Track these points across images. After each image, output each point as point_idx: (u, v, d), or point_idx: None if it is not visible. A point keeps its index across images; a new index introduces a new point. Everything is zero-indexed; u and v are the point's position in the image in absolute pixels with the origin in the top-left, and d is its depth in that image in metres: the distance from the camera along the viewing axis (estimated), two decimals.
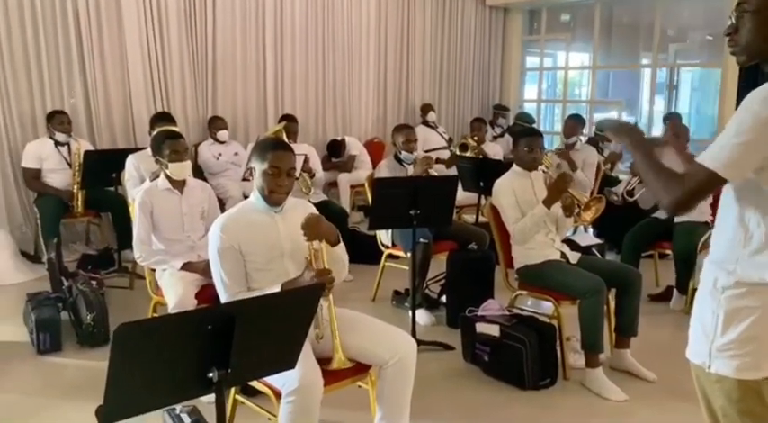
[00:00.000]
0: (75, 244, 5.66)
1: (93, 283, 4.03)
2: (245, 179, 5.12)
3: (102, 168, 4.89)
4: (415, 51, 8.18)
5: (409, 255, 4.08)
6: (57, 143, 5.18)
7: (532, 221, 3.41)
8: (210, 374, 1.52)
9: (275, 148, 2.45)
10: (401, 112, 8.20)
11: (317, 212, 2.62)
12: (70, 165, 5.16)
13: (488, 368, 3.38)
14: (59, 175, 5.17)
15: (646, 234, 4.58)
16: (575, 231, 5.23)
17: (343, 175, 6.85)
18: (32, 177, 5.18)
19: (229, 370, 1.53)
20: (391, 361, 2.38)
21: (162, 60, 6.07)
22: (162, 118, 4.83)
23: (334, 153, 7.04)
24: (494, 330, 3.31)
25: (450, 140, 7.85)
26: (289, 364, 1.73)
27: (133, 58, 5.89)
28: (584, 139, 6.09)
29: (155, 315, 3.47)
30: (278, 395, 2.23)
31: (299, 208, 2.57)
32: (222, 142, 6.01)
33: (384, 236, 4.49)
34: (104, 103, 5.83)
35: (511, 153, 7.06)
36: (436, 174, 4.37)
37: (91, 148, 5.38)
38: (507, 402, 3.15)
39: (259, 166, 2.43)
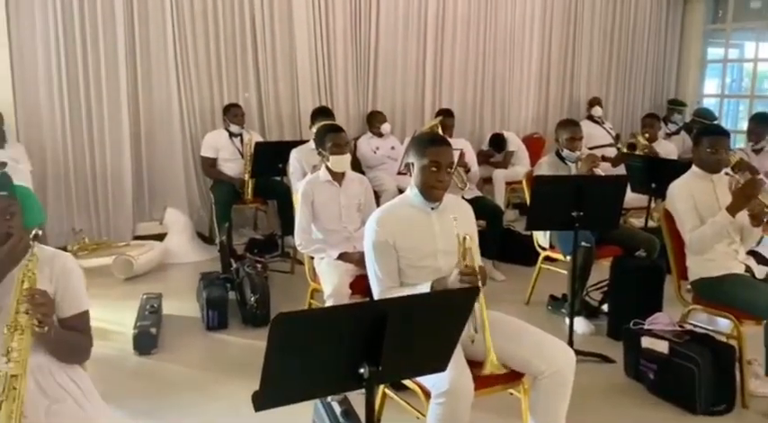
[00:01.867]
0: (244, 228, 6.05)
1: (259, 266, 4.25)
2: (400, 173, 5.14)
3: (271, 158, 5.16)
4: (582, 42, 7.78)
5: (569, 258, 3.87)
6: (231, 134, 5.56)
7: (713, 230, 3.07)
8: (361, 370, 1.50)
9: (435, 143, 2.39)
10: (564, 106, 7.85)
11: (471, 211, 2.55)
12: (242, 155, 5.52)
13: (654, 387, 3.10)
14: (233, 164, 5.54)
15: None
16: (759, 242, 4.66)
17: (499, 170, 6.68)
18: (209, 165, 5.61)
19: (380, 367, 1.50)
20: (547, 372, 2.24)
21: (327, 59, 6.30)
22: (321, 112, 5.01)
23: (498, 147, 6.86)
24: (662, 347, 3.03)
25: (617, 137, 7.37)
26: (440, 366, 1.68)
27: (301, 56, 6.16)
28: None
29: (312, 302, 3.60)
30: (427, 394, 2.19)
31: (455, 206, 2.50)
32: (381, 136, 6.10)
33: (542, 237, 4.29)
34: (274, 98, 6.16)
35: (685, 153, 6.61)
36: (602, 173, 4.09)
37: (261, 139, 5.70)
38: None
39: (418, 162, 2.39)
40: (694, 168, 3.31)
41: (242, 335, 3.86)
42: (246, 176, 5.42)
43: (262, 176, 5.39)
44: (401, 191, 5.75)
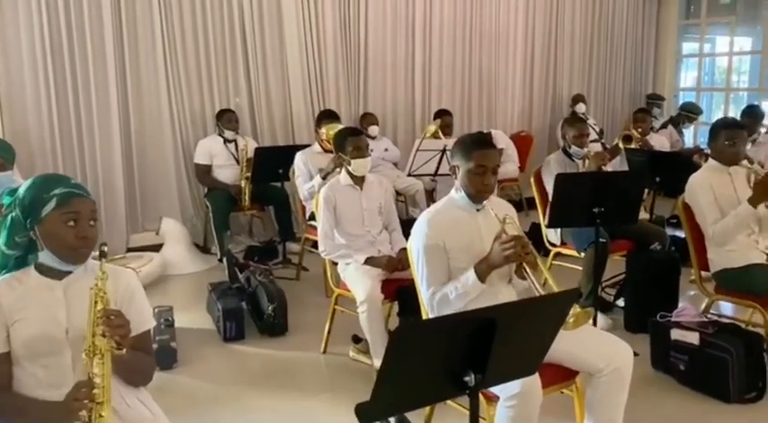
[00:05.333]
0: (240, 236, 5.94)
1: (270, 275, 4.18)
2: (410, 175, 5.13)
3: (272, 164, 5.07)
4: (564, 40, 7.88)
5: (583, 254, 3.90)
6: (225, 140, 5.47)
7: (735, 222, 3.13)
8: (467, 378, 1.47)
9: (481, 146, 2.37)
10: (548, 104, 7.94)
11: (513, 210, 2.54)
12: (238, 161, 5.43)
13: (685, 378, 3.14)
14: (227, 171, 5.45)
15: None
16: None
17: None
18: (204, 172, 5.50)
19: (485, 374, 1.48)
20: (606, 370, 2.25)
21: (318, 62, 6.24)
22: (328, 115, 4.95)
23: None
24: (693, 338, 3.07)
25: (601, 132, 7.49)
26: (532, 369, 1.66)
27: (292, 60, 6.09)
28: (763, 130, 5.57)
29: (336, 307, 3.55)
30: (489, 398, 2.17)
31: (498, 206, 2.49)
32: (373, 137, 6.06)
33: (552, 234, 4.31)
34: (266, 102, 6.07)
35: (674, 146, 6.74)
36: (610, 169, 4.14)
37: (255, 144, 5.61)
38: (712, 415, 2.93)
39: (464, 165, 2.37)
40: (711, 161, 3.37)
41: (261, 345, 3.78)
42: (243, 183, 5.34)
43: (262, 182, 5.30)
44: (398, 193, 5.83)
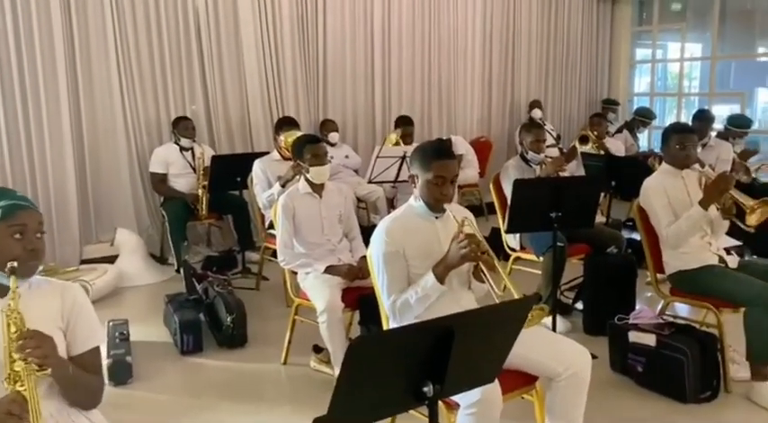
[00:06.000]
0: (198, 246, 5.83)
1: (229, 285, 4.10)
2: (370, 182, 5.10)
3: (230, 172, 4.99)
4: (521, 47, 8.00)
5: (542, 258, 3.94)
6: (182, 148, 5.36)
7: (688, 224, 3.19)
8: (425, 388, 1.46)
9: (440, 157, 2.36)
10: (506, 109, 8.04)
11: (472, 216, 2.54)
12: (195, 169, 5.33)
13: (642, 379, 3.18)
14: (184, 180, 5.35)
15: None
16: None
17: None
18: (159, 181, 5.39)
19: (443, 384, 1.46)
20: (565, 374, 2.26)
21: (276, 68, 6.18)
22: (287, 122, 4.89)
23: None
24: (650, 340, 3.12)
25: (558, 137, 7.61)
26: (490, 377, 1.65)
27: (250, 66, 6.02)
28: (713, 133, 5.73)
29: (296, 317, 3.50)
30: (449, 406, 2.16)
31: (457, 212, 2.49)
32: (333, 144, 6.03)
33: (512, 239, 4.34)
34: (223, 110, 5.98)
35: (629, 150, 6.88)
36: (567, 174, 4.19)
37: (212, 152, 5.52)
38: (670, 417, 2.96)
39: (423, 175, 2.36)
40: (665, 165, 3.43)
41: (219, 358, 3.70)
42: (200, 191, 5.24)
43: (219, 191, 5.21)
44: (360, 200, 5.80)
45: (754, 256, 4.73)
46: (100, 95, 5.37)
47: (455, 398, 2.09)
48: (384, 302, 2.40)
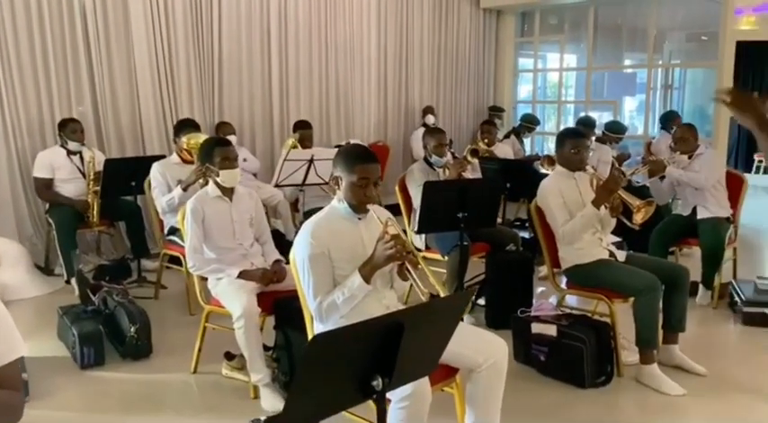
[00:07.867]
0: (88, 255, 5.51)
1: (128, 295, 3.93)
2: (277, 185, 5.05)
3: (124, 177, 4.76)
4: (414, 53, 8.21)
5: (447, 258, 4.09)
6: (69, 152, 5.05)
7: (582, 222, 3.44)
8: (374, 382, 1.50)
9: (364, 161, 2.41)
10: (401, 114, 8.22)
11: (392, 218, 2.61)
12: (84, 174, 5.04)
13: (545, 368, 3.39)
14: (72, 185, 5.04)
15: (672, 231, 4.65)
16: None
17: None
18: (45, 187, 5.04)
19: (391, 378, 1.51)
20: (485, 364, 2.37)
21: (169, 68, 5.96)
22: (188, 125, 4.73)
23: None
24: (551, 330, 3.34)
25: (450, 143, 7.87)
26: (429, 369, 1.71)
27: (141, 65, 5.77)
28: (593, 138, 6.17)
29: (207, 325, 3.41)
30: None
31: (380, 212, 2.55)
32: None
33: (418, 239, 4.46)
34: (113, 111, 5.70)
35: (517, 154, 7.27)
36: (471, 176, 4.38)
37: (103, 156, 5.25)
38: (571, 402, 3.18)
39: (347, 177, 2.40)
40: (559, 168, 3.68)
41: (123, 370, 3.53)
42: (90, 197, 4.97)
43: (112, 196, 4.96)
44: (264, 204, 5.70)
45: (631, 251, 5.17)
46: None
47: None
48: (310, 304, 2.41)
